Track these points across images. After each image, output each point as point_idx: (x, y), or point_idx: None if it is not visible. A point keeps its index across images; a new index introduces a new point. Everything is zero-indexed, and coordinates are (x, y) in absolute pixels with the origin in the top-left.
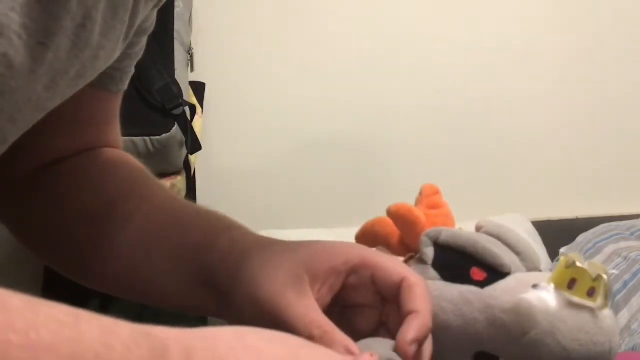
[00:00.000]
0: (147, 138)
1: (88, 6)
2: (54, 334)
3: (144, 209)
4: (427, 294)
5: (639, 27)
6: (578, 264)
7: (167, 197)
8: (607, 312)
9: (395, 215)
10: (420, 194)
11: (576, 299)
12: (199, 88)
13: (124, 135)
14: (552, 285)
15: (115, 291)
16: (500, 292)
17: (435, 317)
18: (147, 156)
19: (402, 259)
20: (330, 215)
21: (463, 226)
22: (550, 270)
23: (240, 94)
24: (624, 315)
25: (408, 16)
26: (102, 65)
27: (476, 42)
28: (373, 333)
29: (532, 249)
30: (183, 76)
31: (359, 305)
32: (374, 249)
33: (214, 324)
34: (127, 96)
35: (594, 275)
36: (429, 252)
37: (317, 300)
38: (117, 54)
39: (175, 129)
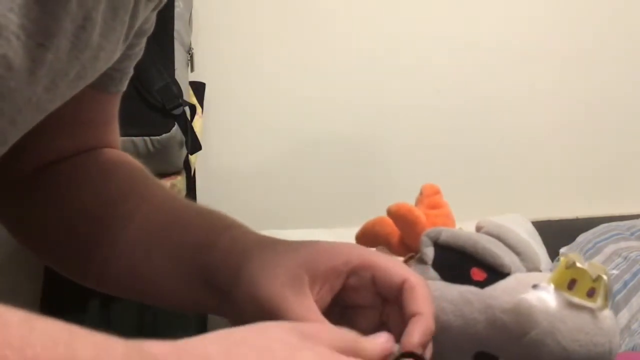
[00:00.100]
0: (147, 138)
1: (88, 7)
2: (49, 351)
3: (144, 208)
4: (428, 295)
5: (638, 27)
6: (578, 264)
7: (167, 197)
8: (607, 313)
9: (396, 215)
10: (421, 193)
11: (576, 300)
12: (199, 88)
13: (124, 135)
14: (552, 286)
15: (115, 291)
16: (500, 293)
17: (435, 318)
18: (147, 156)
19: (402, 258)
20: (330, 215)
21: (463, 226)
22: (551, 270)
23: (240, 94)
24: (624, 315)
25: (408, 16)
26: (102, 67)
27: (476, 42)
28: (373, 333)
29: (532, 249)
30: (183, 76)
31: (359, 306)
32: (374, 249)
33: (214, 322)
34: (127, 96)
35: (593, 276)
36: (429, 252)
37: (317, 300)
38: (117, 55)
39: (175, 129)
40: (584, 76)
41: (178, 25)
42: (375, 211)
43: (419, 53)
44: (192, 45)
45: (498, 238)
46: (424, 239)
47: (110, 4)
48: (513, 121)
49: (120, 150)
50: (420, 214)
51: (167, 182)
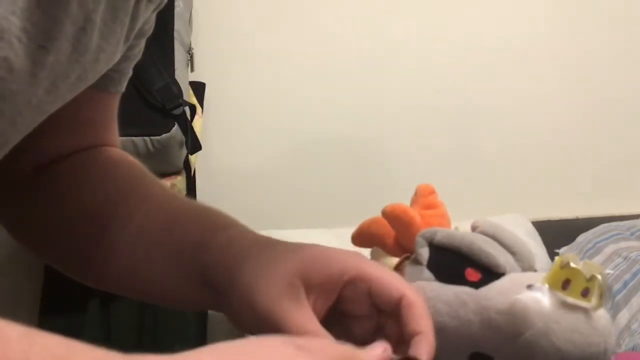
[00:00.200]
0: (147, 138)
1: (88, 9)
2: None
3: (143, 208)
4: (427, 311)
5: (637, 28)
6: (572, 264)
7: (167, 196)
8: (601, 313)
9: (390, 216)
10: (416, 194)
11: (570, 300)
12: (199, 88)
13: (124, 135)
14: (547, 286)
15: (116, 290)
16: (495, 293)
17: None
18: (147, 156)
19: (397, 259)
20: (330, 215)
21: (463, 226)
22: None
23: (240, 94)
24: (624, 315)
25: (408, 16)
26: (102, 68)
27: (476, 42)
28: (371, 339)
29: (528, 248)
30: (183, 76)
31: (355, 315)
32: (372, 249)
33: (214, 322)
34: (127, 96)
35: (587, 276)
36: (424, 253)
37: (313, 310)
38: (118, 56)
39: (175, 129)
40: (583, 76)
41: (178, 25)
42: (375, 211)
43: (419, 53)
44: (192, 45)
45: (493, 237)
46: (419, 239)
47: (110, 5)
48: (513, 121)
49: (120, 149)
50: (415, 214)
51: (167, 182)
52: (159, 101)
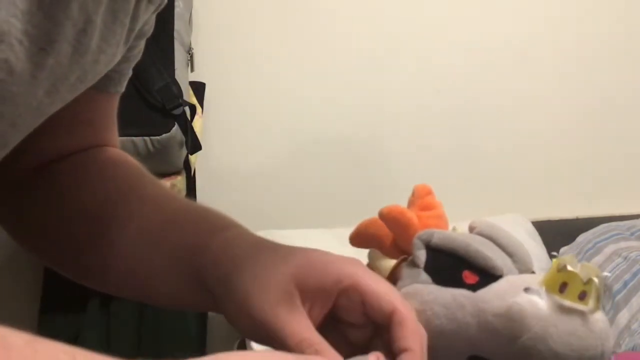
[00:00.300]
0: (147, 138)
1: (89, 11)
2: None
3: (143, 208)
4: (417, 328)
5: (638, 28)
6: (569, 267)
7: (166, 196)
8: (598, 316)
9: (387, 217)
10: (413, 194)
11: (567, 303)
12: (199, 88)
13: (124, 135)
14: (544, 289)
15: (115, 291)
16: (492, 296)
17: (428, 322)
18: (147, 156)
19: (394, 261)
20: (330, 215)
21: (462, 226)
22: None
23: (240, 94)
24: (624, 315)
25: (408, 16)
26: (102, 70)
27: (476, 42)
28: (368, 344)
29: (525, 249)
30: (183, 76)
31: (351, 323)
32: (368, 268)
33: (214, 323)
34: (127, 96)
35: (585, 279)
36: (421, 256)
37: (309, 316)
38: (118, 58)
39: (175, 129)
40: (583, 76)
41: (178, 25)
42: (374, 211)
43: (418, 53)
44: (192, 45)
45: (490, 239)
46: (416, 242)
47: (110, 7)
48: (513, 121)
49: (120, 149)
50: (412, 215)
51: (167, 182)
52: (159, 101)
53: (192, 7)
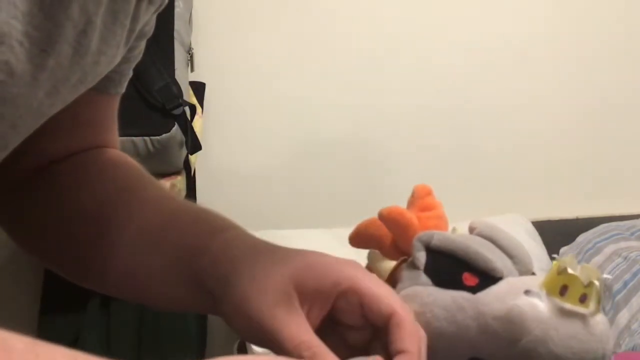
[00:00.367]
0: (147, 138)
1: (89, 13)
2: None
3: (142, 210)
4: (415, 330)
5: (638, 28)
6: (569, 270)
7: (165, 198)
8: (599, 318)
9: (387, 218)
10: (412, 195)
11: (568, 306)
12: (199, 88)
13: (124, 135)
14: (544, 291)
15: (115, 292)
16: (492, 298)
17: (428, 325)
18: (147, 156)
19: (394, 262)
20: (330, 215)
21: (463, 227)
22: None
23: (240, 94)
24: (624, 315)
25: (408, 17)
26: (103, 71)
27: (476, 42)
28: (366, 347)
29: (525, 250)
30: (183, 76)
31: (350, 325)
32: (367, 271)
33: (214, 323)
34: (127, 96)
35: (585, 282)
36: (421, 257)
37: (308, 318)
38: (118, 59)
39: (175, 129)
40: (583, 76)
41: (178, 25)
42: (375, 211)
43: (418, 53)
44: (192, 45)
45: (490, 240)
46: (416, 243)
47: (110, 8)
48: (513, 121)
49: (120, 150)
50: (412, 216)
51: (167, 182)
52: (159, 101)
53: (192, 7)
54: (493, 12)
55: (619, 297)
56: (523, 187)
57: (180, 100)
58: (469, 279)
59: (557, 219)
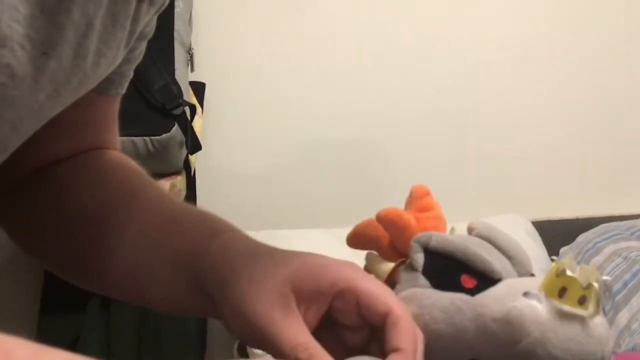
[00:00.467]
0: (147, 138)
1: (90, 15)
2: None
3: (142, 212)
4: (411, 329)
5: (638, 28)
6: (568, 272)
7: (164, 200)
8: (598, 320)
9: (385, 220)
10: (410, 196)
11: (567, 308)
12: (199, 88)
13: (124, 135)
14: (543, 293)
15: (114, 294)
16: (490, 300)
17: (426, 327)
18: (147, 156)
19: (392, 264)
20: (330, 215)
21: (462, 227)
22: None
23: (240, 94)
24: (624, 315)
25: (408, 17)
26: (103, 72)
27: (476, 42)
28: (364, 348)
29: (524, 252)
30: (183, 76)
31: (347, 326)
32: (364, 271)
33: (214, 324)
34: (128, 96)
35: (584, 284)
36: (419, 259)
37: (304, 320)
38: (119, 60)
39: (175, 129)
40: (583, 76)
41: (178, 25)
42: (374, 211)
43: (418, 54)
44: (192, 45)
45: (489, 241)
46: (414, 245)
47: (110, 10)
48: (513, 121)
49: (120, 150)
50: (409, 218)
51: (167, 182)
52: (159, 101)
53: (192, 7)
54: (493, 13)
55: (619, 297)
56: (523, 187)
57: (180, 100)
58: (468, 280)
59: (557, 219)
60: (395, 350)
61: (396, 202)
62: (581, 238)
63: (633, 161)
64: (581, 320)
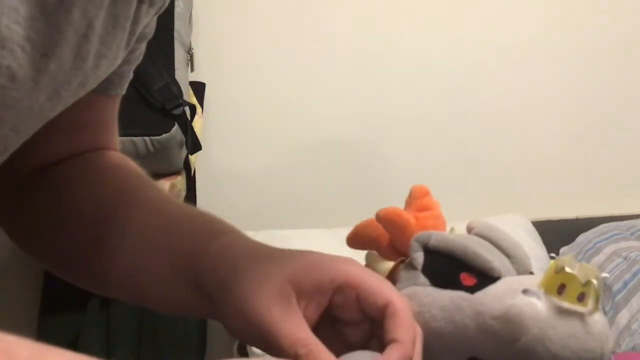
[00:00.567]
0: (147, 138)
1: (90, 16)
2: None
3: (142, 214)
4: (410, 320)
5: (638, 28)
6: (567, 269)
7: (164, 201)
8: (597, 317)
9: (384, 219)
10: (410, 195)
11: (566, 305)
12: (199, 88)
13: (124, 135)
14: (542, 290)
15: (114, 294)
16: (490, 298)
17: (426, 325)
18: (147, 156)
19: (392, 263)
20: (330, 215)
21: (462, 226)
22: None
23: (240, 94)
24: (624, 315)
25: (409, 17)
26: (103, 73)
27: (475, 43)
28: (365, 345)
29: (523, 250)
30: (183, 76)
31: (348, 321)
32: (363, 262)
33: (214, 324)
34: (128, 96)
35: (583, 281)
36: (419, 258)
37: (305, 316)
38: (119, 61)
39: (175, 129)
40: (583, 77)
41: (178, 25)
42: (374, 211)
43: (419, 54)
44: (192, 45)
45: (488, 240)
46: (414, 244)
47: (111, 11)
48: (513, 121)
49: (120, 151)
50: (409, 217)
51: (167, 182)
52: (159, 101)
53: (192, 7)
54: (493, 13)
55: (619, 297)
56: (523, 187)
57: (180, 100)
58: (467, 278)
59: (557, 219)
60: (394, 341)
61: (396, 202)
62: (581, 238)
63: (633, 161)
64: (580, 317)
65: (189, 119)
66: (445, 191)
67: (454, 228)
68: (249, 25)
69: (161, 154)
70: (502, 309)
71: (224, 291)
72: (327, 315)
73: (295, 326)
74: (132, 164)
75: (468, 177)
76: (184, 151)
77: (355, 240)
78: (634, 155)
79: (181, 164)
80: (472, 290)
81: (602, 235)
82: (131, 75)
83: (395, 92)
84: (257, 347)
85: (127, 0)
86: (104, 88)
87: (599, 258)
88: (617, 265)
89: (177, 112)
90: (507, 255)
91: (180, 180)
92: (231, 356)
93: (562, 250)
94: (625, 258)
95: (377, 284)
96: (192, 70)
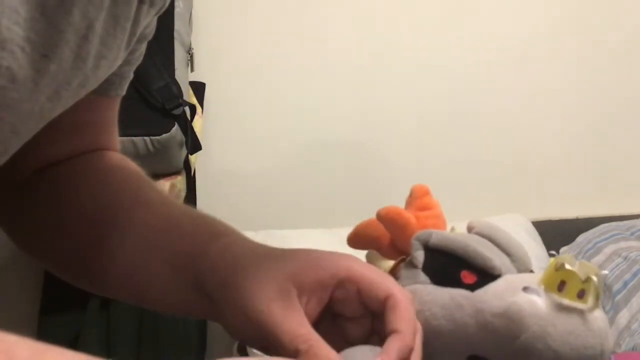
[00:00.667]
0: (147, 138)
1: (90, 17)
2: None
3: (142, 215)
4: (411, 312)
5: (638, 28)
6: (567, 266)
7: (164, 202)
8: (597, 314)
9: (385, 218)
10: (410, 195)
11: (566, 302)
12: (199, 88)
13: (124, 135)
14: (542, 288)
15: (114, 295)
16: (490, 296)
17: (427, 323)
18: (147, 156)
19: (393, 262)
20: (330, 215)
21: (463, 226)
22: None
23: (240, 94)
24: (624, 315)
25: (409, 18)
26: (103, 74)
27: (476, 43)
28: (366, 341)
29: (523, 249)
30: (183, 76)
31: (349, 317)
32: (364, 261)
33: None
34: (128, 96)
35: (583, 278)
36: (419, 256)
37: (306, 312)
38: (119, 62)
39: (175, 129)
40: (583, 77)
41: (178, 25)
42: (374, 211)
43: (419, 54)
44: (192, 45)
45: (489, 238)
46: (414, 242)
47: (111, 12)
48: (513, 121)
49: (120, 151)
50: (410, 216)
51: (167, 182)
52: (159, 101)
53: (192, 7)
54: (493, 13)
55: (619, 297)
56: (523, 187)
57: (180, 100)
58: (467, 276)
59: (557, 219)
60: (394, 331)
61: (396, 202)
62: (581, 238)
63: (633, 161)
64: (580, 313)
65: (189, 119)
66: (446, 191)
67: (454, 228)
68: (249, 25)
69: (161, 154)
70: (502, 306)
71: (224, 291)
72: (328, 311)
73: (295, 322)
74: (132, 165)
75: (468, 177)
76: (184, 151)
77: (356, 240)
78: (634, 155)
79: (181, 164)
80: (472, 288)
81: (602, 235)
82: (131, 75)
83: (395, 92)
84: (257, 346)
85: (127, 1)
86: (104, 89)
87: (599, 258)
88: (617, 265)
89: (177, 112)
90: (508, 253)
91: (180, 181)
92: (231, 356)
93: (562, 250)
94: (625, 258)
95: (378, 277)
96: (192, 70)
